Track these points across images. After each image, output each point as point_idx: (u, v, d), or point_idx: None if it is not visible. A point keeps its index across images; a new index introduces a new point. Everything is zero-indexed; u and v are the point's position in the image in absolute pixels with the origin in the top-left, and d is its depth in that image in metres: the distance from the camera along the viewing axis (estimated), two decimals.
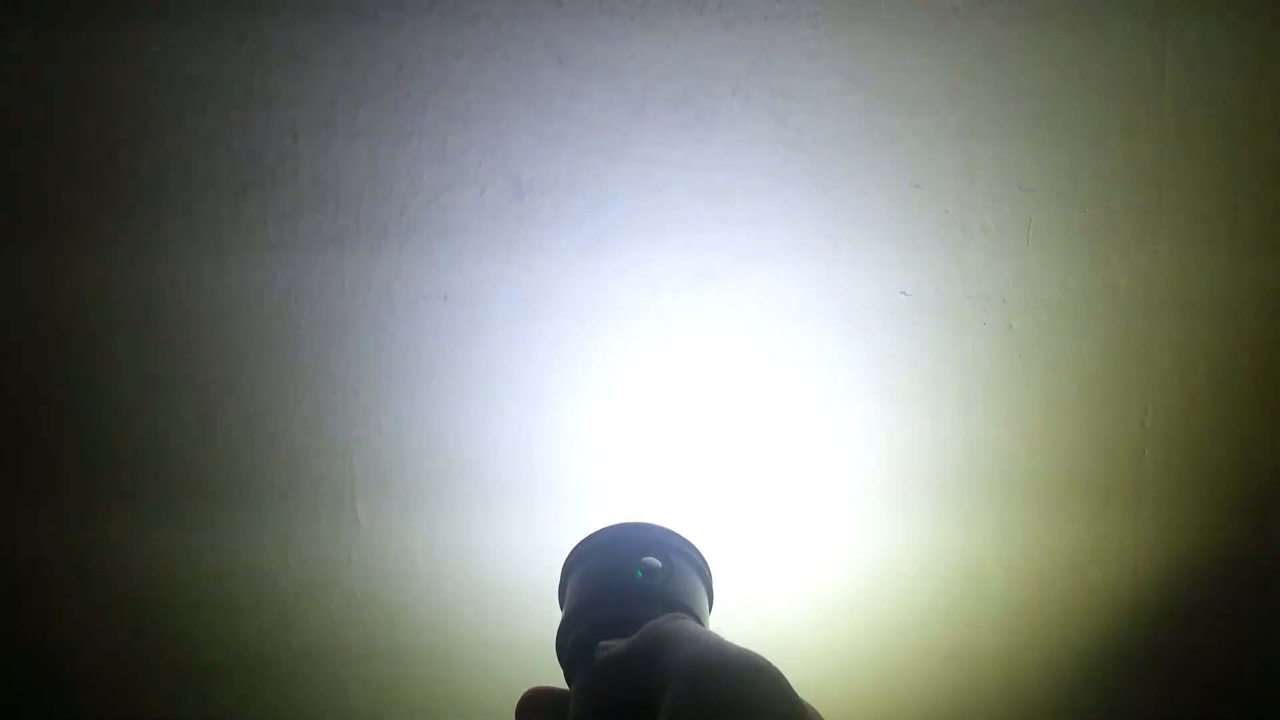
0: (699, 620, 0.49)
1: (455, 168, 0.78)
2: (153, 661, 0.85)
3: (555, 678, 0.48)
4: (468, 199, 0.79)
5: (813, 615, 0.83)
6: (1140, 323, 0.79)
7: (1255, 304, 0.80)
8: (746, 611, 0.83)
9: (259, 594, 0.83)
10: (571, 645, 0.48)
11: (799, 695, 0.36)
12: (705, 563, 0.54)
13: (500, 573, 0.82)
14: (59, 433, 0.82)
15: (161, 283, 0.80)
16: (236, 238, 0.79)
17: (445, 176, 0.79)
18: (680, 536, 0.54)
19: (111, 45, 0.77)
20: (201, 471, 0.82)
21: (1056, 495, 0.81)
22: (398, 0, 0.77)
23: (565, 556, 0.55)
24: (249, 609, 0.83)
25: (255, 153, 0.79)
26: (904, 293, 0.79)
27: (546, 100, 0.77)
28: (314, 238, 0.79)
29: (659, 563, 0.50)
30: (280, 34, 0.77)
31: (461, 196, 0.79)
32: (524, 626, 0.83)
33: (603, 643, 0.43)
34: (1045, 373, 0.80)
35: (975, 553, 0.83)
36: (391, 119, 0.78)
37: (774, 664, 0.37)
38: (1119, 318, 0.79)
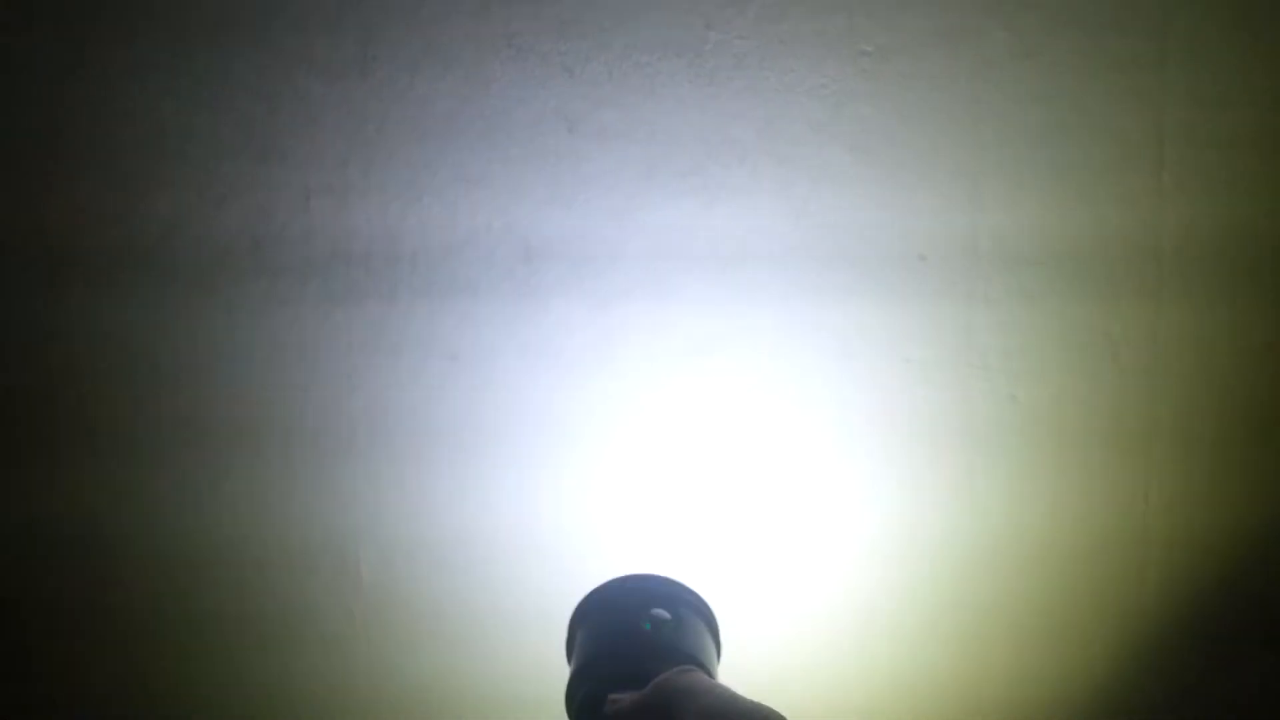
0: (708, 671, 0.49)
1: (466, 230, 0.79)
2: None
3: None
4: (477, 261, 0.80)
5: (814, 666, 0.83)
6: (1143, 392, 0.80)
7: (1255, 367, 0.80)
8: (750, 666, 0.83)
9: (264, 652, 0.83)
10: (582, 699, 0.48)
11: None
12: (712, 614, 0.54)
13: (506, 631, 0.82)
14: (61, 483, 0.82)
15: (172, 337, 0.81)
16: (248, 295, 0.80)
17: (455, 238, 0.79)
18: (687, 588, 0.54)
19: (127, 104, 0.78)
20: (207, 528, 0.82)
21: (1061, 560, 0.82)
22: (412, 65, 0.78)
23: (572, 611, 0.55)
24: (253, 665, 0.83)
25: (268, 211, 0.80)
26: (909, 360, 0.80)
27: (556, 165, 0.79)
28: (324, 296, 0.80)
29: (667, 614, 0.51)
30: (295, 96, 0.78)
31: (471, 258, 0.80)
32: (531, 685, 0.82)
33: (612, 696, 0.43)
34: (1048, 444, 0.80)
35: (979, 617, 0.83)
36: (404, 181, 0.79)
37: (787, 717, 0.37)
38: (1121, 387, 0.80)
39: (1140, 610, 0.82)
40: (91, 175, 0.79)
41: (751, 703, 0.39)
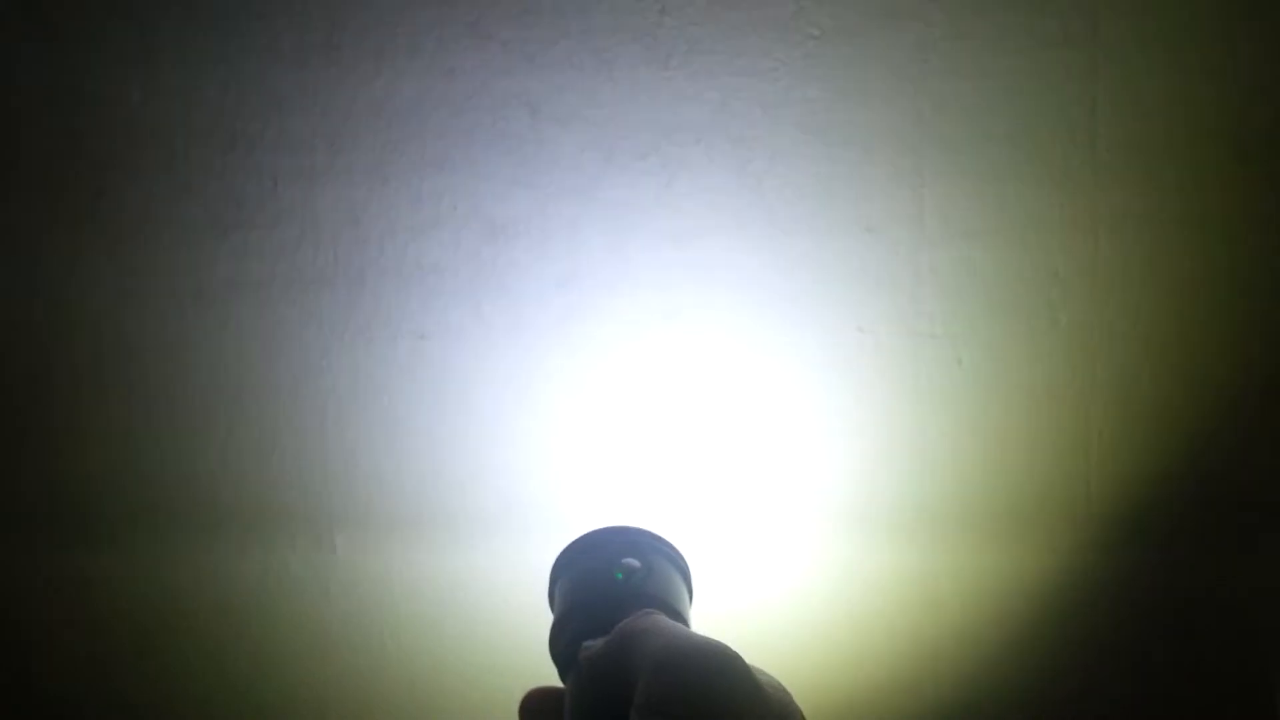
0: (680, 614, 0.51)
1: (431, 211, 0.82)
2: (130, 698, 0.85)
3: None
4: (443, 241, 0.82)
5: (773, 634, 0.85)
6: (1081, 356, 0.84)
7: (1188, 338, 0.84)
8: (717, 621, 0.85)
9: (238, 627, 0.84)
10: (562, 650, 0.50)
11: (757, 674, 0.39)
12: (683, 559, 0.56)
13: (478, 604, 0.84)
14: (36, 467, 0.83)
15: (142, 324, 0.82)
16: (218, 280, 0.82)
17: (421, 220, 0.82)
18: (656, 536, 0.56)
19: (93, 93, 0.80)
20: (180, 506, 0.83)
21: (1009, 522, 0.85)
22: (377, 53, 0.80)
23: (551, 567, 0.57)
24: (228, 642, 0.84)
25: (236, 197, 0.81)
26: (860, 329, 0.83)
27: (519, 148, 0.81)
28: (294, 279, 0.82)
29: (638, 563, 0.53)
30: (262, 84, 0.80)
31: (437, 239, 0.82)
32: (504, 656, 0.84)
33: (585, 643, 0.45)
34: (994, 404, 0.84)
35: (931, 579, 0.86)
36: (370, 165, 0.81)
37: (734, 649, 0.40)
38: (1061, 352, 0.84)
39: (1085, 562, 0.86)
40: (57, 165, 0.80)
41: (701, 638, 0.41)
